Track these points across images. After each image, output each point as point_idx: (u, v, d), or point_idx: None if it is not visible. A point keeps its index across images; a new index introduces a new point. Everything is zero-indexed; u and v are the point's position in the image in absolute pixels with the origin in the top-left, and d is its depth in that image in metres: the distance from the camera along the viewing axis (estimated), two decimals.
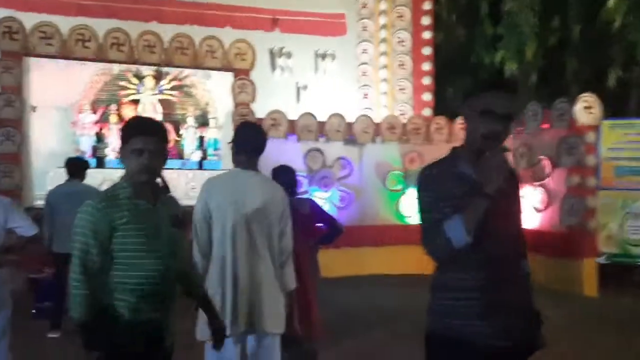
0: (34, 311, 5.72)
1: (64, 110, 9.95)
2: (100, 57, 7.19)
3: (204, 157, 10.98)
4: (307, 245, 3.89)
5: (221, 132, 11.21)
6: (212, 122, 11.10)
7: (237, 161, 2.89)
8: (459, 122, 9.36)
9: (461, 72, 12.75)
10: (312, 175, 8.57)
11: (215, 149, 11.17)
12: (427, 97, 10.68)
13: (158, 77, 10.89)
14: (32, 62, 8.33)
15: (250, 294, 2.73)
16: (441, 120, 9.31)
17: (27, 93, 7.75)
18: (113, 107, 10.42)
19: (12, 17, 6.99)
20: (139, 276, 1.98)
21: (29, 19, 7.40)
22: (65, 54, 7.05)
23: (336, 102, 9.54)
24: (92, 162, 9.85)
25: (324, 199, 8.28)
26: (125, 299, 1.98)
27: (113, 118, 10.41)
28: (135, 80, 10.60)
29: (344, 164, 8.80)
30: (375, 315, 6.13)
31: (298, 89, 9.95)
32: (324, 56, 10.17)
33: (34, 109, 8.97)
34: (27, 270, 6.64)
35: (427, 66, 10.69)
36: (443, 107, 11.18)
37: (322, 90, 9.95)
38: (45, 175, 8.03)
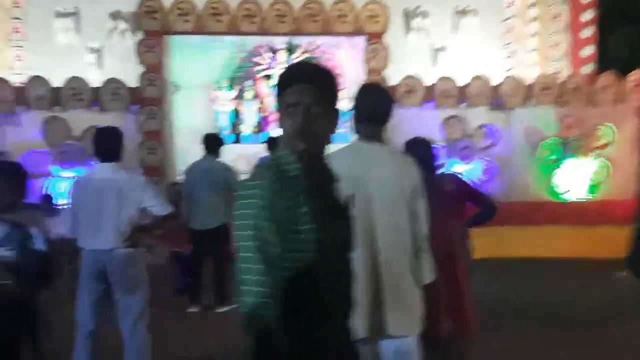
0: (178, 287, 5.85)
1: (204, 88, 10.30)
2: (232, 30, 7.12)
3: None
4: (456, 228, 3.31)
5: (351, 102, 10.86)
6: (344, 93, 10.83)
7: (358, 131, 2.44)
8: (632, 78, 7.88)
9: (629, 20, 10.81)
10: (451, 145, 7.81)
11: (345, 121, 10.89)
12: (588, 51, 9.17)
13: (290, 50, 10.81)
14: (173, 40, 8.60)
15: (379, 289, 2.29)
16: (608, 78, 7.90)
17: (168, 72, 7.97)
18: (248, 83, 10.60)
19: None
20: (324, 288, 1.48)
21: None
22: (200, 30, 7.07)
23: (478, 63, 8.57)
24: (231, 138, 10.17)
25: (465, 171, 7.50)
26: (309, 311, 1.46)
27: (248, 94, 10.60)
28: (268, 55, 10.64)
29: (488, 132, 7.89)
30: (523, 306, 5.34)
31: (435, 52, 9.12)
32: (464, 13, 9.17)
33: (177, 88, 9.34)
34: (171, 244, 6.88)
35: (588, 15, 9.15)
36: (607, 63, 9.55)
37: (461, 51, 9.01)
38: (188, 151, 8.29)
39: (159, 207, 3.64)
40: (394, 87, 7.59)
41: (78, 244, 3.61)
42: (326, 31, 8.21)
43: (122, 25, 8.09)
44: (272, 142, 6.04)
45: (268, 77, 10.74)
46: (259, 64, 10.67)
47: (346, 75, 10.98)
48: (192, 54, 9.64)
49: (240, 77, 10.73)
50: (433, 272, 2.45)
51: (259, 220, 1.38)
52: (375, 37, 8.00)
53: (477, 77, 7.95)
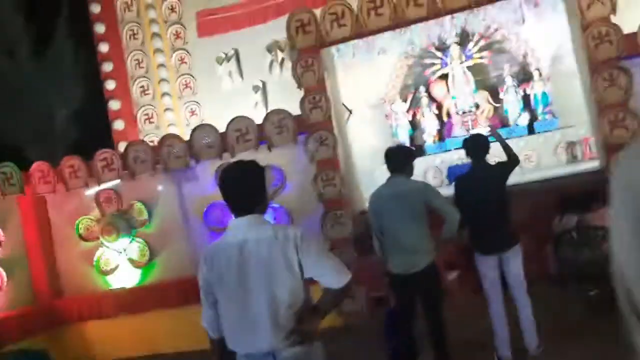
0: (390, 351, 4.08)
1: (375, 105, 8.88)
2: (396, 20, 5.41)
3: (533, 119, 8.58)
4: None
5: (549, 83, 8.46)
6: (535, 75, 8.50)
7: None
8: None
9: None
10: None
11: (546, 105, 8.54)
12: None
13: (462, 42, 8.79)
14: (335, 59, 7.28)
15: None
16: None
17: (335, 92, 6.59)
18: (422, 89, 8.86)
19: (303, 10, 5.82)
20: None
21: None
22: (359, 31, 5.54)
23: None
24: None
25: None
26: None
27: (424, 101, 8.85)
28: (439, 54, 8.79)
29: None
30: None
31: None
32: None
33: (350, 112, 8.02)
34: (370, 288, 5.28)
35: None
36: None
37: None
38: (370, 176, 6.83)
39: (331, 276, 1.99)
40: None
41: (228, 345, 2.16)
42: None
43: (280, 54, 7.02)
44: (473, 143, 4.11)
45: (444, 76, 8.87)
46: (430, 65, 8.90)
47: (536, 54, 8.60)
48: (358, 72, 8.25)
49: (412, 84, 9.07)
50: None
51: None
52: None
53: None
